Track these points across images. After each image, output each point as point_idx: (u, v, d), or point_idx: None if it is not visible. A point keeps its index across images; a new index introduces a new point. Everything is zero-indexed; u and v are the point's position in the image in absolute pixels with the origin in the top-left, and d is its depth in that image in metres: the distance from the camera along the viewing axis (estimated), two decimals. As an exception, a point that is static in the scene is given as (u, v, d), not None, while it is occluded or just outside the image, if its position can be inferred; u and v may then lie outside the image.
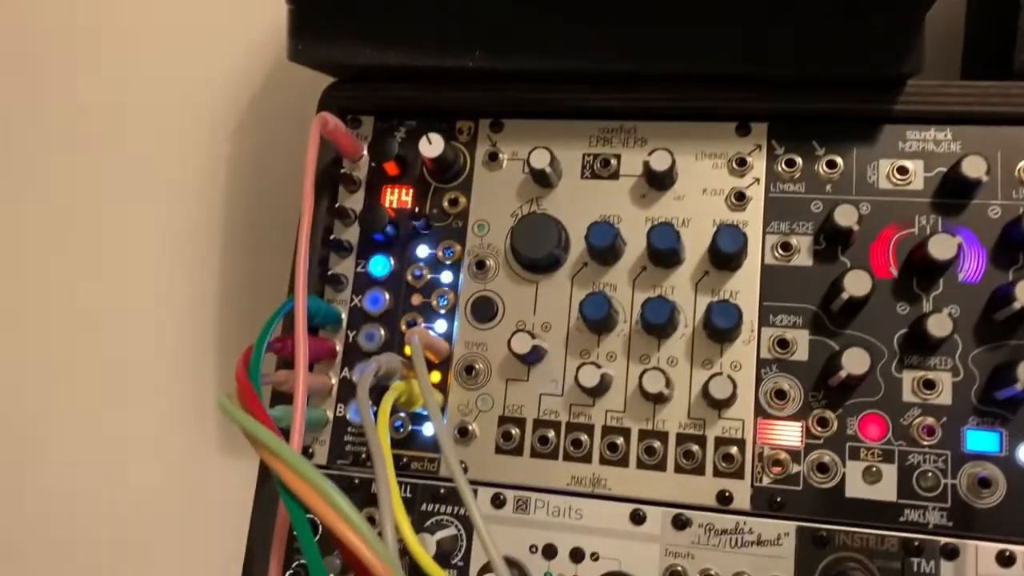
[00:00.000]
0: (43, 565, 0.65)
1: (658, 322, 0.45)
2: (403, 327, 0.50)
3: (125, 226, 0.69)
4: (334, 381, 0.50)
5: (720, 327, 0.45)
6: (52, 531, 0.66)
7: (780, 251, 0.47)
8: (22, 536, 0.66)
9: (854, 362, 0.43)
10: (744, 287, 0.47)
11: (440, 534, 0.46)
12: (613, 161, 0.50)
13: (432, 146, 0.49)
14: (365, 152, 0.52)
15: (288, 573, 0.48)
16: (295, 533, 0.34)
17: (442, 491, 0.48)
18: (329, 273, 0.51)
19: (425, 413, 0.48)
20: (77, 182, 0.70)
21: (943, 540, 0.43)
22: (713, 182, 0.49)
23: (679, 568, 0.45)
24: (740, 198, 0.48)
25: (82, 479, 0.66)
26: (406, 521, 0.35)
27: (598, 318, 0.46)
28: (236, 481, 0.61)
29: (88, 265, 0.69)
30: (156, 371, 0.66)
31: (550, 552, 0.46)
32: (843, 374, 0.43)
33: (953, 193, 0.46)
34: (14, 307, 0.70)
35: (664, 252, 0.46)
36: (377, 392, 0.44)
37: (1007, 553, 0.42)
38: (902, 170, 0.47)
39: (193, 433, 0.65)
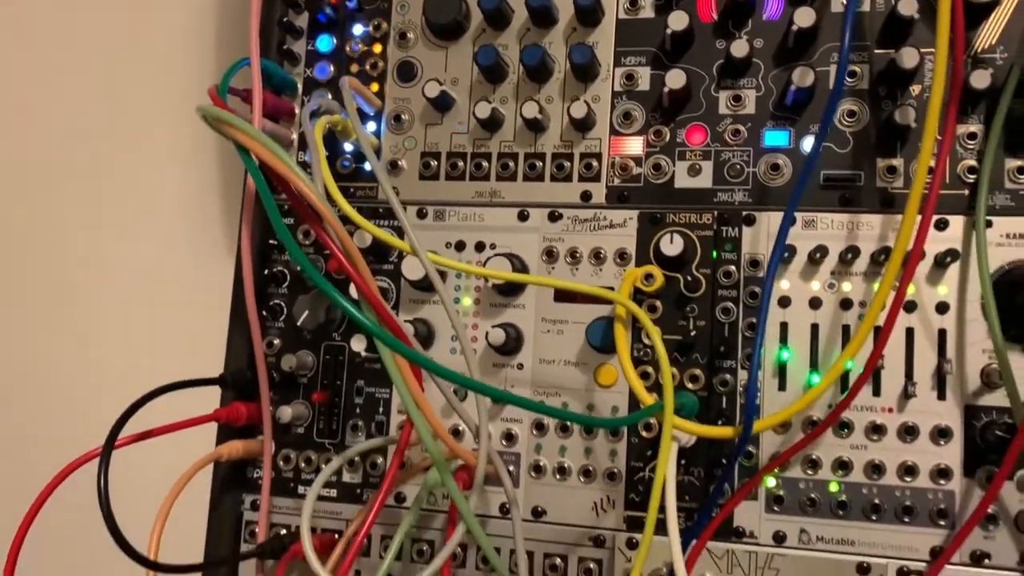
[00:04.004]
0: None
1: (532, 63, 0.59)
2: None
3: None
4: (294, 136, 0.65)
5: (577, 62, 0.58)
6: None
7: (630, 7, 0.60)
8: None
9: (673, 79, 0.56)
10: (603, 38, 0.61)
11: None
12: (503, -55, 0.63)
13: (357, -62, 0.62)
14: (309, -47, 0.66)
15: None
16: (260, 198, 0.49)
17: (380, 210, 0.63)
18: (285, 49, 0.65)
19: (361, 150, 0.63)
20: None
21: (744, 212, 0.57)
22: (580, -43, 0.61)
23: (554, 248, 0.60)
24: (599, -33, 0.61)
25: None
26: (328, 173, 0.50)
27: (488, 64, 0.60)
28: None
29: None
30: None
31: (460, 246, 0.62)
32: (666, 90, 0.57)
33: (760, -49, 0.58)
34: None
35: (539, 10, 0.60)
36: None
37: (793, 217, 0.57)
38: (722, -64, 0.59)
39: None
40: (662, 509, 0.49)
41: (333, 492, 0.62)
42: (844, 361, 0.50)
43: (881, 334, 0.51)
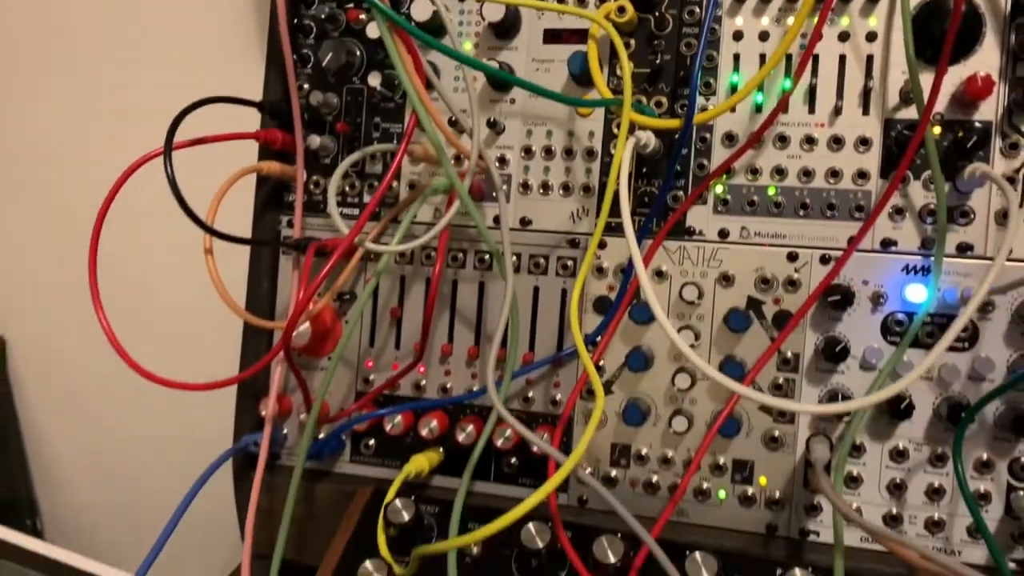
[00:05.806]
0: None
1: None
2: None
3: None
4: (318, -97, 0.74)
5: None
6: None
7: None
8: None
9: None
10: None
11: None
12: None
13: None
14: None
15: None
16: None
17: (393, -32, 0.72)
18: None
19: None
20: None
21: (708, -41, 0.66)
22: None
23: (542, -3, 0.69)
24: None
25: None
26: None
27: None
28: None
29: None
30: None
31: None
32: None
33: None
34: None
35: None
36: None
37: (747, -38, 0.65)
38: None
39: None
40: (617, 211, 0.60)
41: (355, 212, 0.74)
42: (773, 63, 0.60)
43: (804, 52, 0.60)
